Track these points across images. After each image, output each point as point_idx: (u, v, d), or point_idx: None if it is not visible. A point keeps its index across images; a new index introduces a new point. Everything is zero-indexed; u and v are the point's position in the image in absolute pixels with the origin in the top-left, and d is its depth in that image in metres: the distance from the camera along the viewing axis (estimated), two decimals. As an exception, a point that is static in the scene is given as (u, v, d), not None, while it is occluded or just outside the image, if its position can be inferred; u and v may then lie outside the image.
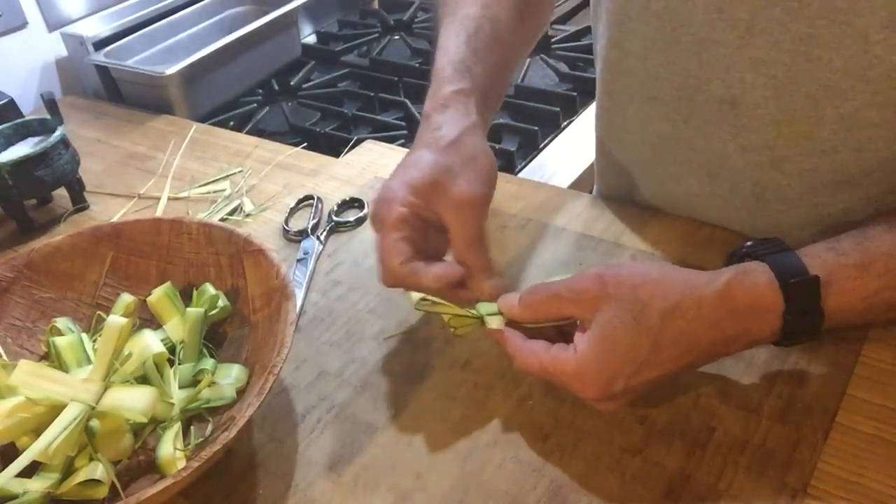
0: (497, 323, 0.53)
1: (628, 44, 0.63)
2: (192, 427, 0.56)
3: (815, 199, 0.61)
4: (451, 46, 0.62)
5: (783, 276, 0.47)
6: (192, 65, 1.07)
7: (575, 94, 1.12)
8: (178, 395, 0.56)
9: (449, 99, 0.58)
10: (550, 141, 1.05)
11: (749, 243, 0.52)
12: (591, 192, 0.87)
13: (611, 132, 0.73)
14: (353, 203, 0.79)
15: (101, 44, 1.12)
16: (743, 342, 0.49)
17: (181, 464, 0.51)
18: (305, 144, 0.96)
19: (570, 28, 1.34)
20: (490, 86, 0.62)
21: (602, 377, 0.47)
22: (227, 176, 0.88)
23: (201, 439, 0.54)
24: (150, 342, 0.57)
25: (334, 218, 0.77)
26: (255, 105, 1.18)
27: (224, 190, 0.85)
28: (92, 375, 0.53)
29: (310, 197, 0.81)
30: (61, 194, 0.85)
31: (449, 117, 0.57)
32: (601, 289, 0.48)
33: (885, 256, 0.48)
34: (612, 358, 0.47)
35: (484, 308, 0.54)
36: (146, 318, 0.63)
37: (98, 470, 0.50)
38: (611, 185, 0.78)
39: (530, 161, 1.01)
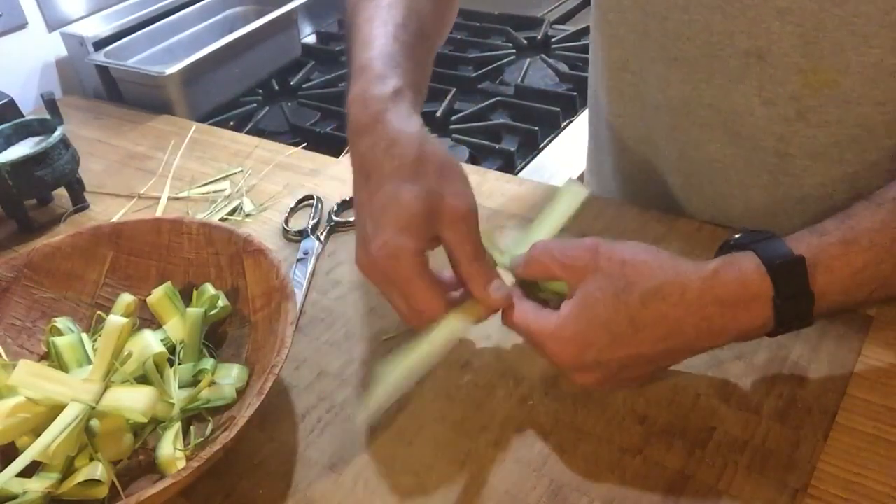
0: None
1: (649, 6, 0.63)
2: (192, 427, 0.56)
3: (840, 153, 0.61)
4: (378, 39, 0.56)
5: (769, 260, 0.47)
6: (192, 65, 1.07)
7: (575, 93, 1.12)
8: (178, 395, 0.56)
9: (387, 102, 0.53)
10: (550, 141, 1.05)
11: (738, 235, 0.52)
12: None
13: (629, 105, 0.72)
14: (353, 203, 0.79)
15: (101, 44, 1.12)
16: (732, 334, 0.48)
17: (181, 464, 0.51)
18: (305, 144, 0.96)
19: (570, 28, 1.34)
20: (420, 82, 0.59)
21: (575, 344, 0.48)
22: (227, 176, 0.88)
23: (201, 439, 0.54)
24: (150, 342, 0.58)
25: (334, 218, 0.77)
26: (255, 105, 1.18)
27: (224, 190, 0.85)
28: (92, 375, 0.53)
29: (310, 197, 0.81)
30: (61, 194, 0.85)
31: (396, 128, 0.52)
32: (592, 259, 0.49)
33: (868, 231, 0.48)
34: (588, 327, 0.48)
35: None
36: (146, 318, 0.63)
37: (98, 470, 0.50)
38: (630, 162, 0.77)
39: (530, 161, 1.01)
